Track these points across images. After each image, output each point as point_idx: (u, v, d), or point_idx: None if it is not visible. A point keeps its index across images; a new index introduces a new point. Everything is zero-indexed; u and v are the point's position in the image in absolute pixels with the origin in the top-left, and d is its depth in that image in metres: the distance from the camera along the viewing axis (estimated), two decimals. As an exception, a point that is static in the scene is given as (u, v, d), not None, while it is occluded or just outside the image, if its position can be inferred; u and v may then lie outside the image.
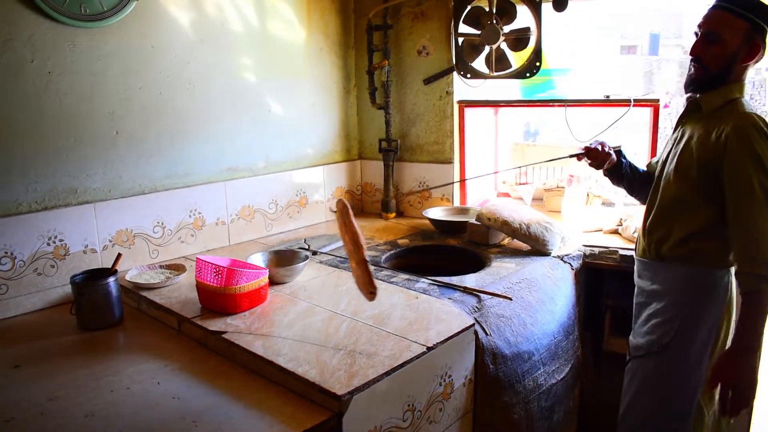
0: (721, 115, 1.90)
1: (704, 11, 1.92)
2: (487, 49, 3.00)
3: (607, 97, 2.90)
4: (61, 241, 2.28)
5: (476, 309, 2.05)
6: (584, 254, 2.68)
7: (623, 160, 2.32)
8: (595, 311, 2.78)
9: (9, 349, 1.93)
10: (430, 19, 3.22)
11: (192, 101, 2.67)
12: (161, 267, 2.48)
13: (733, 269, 1.94)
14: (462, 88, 3.23)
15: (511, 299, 2.15)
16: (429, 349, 1.74)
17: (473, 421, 2.00)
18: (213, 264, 2.02)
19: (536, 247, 2.63)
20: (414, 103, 3.37)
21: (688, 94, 2.05)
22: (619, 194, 3.11)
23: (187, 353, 1.88)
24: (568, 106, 2.98)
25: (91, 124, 2.35)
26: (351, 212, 1.84)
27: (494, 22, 2.92)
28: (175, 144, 2.63)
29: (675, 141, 2.07)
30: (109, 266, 2.17)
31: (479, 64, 3.08)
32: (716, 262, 1.95)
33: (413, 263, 2.72)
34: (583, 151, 2.34)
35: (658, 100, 2.83)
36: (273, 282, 2.25)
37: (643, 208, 2.20)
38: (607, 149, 2.29)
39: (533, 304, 2.26)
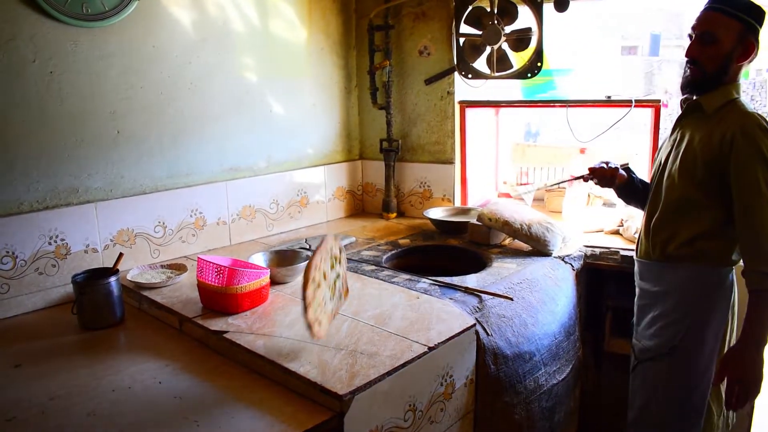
0: (721, 115, 1.91)
1: (697, 13, 1.95)
2: (488, 49, 3.00)
3: (609, 97, 2.90)
4: (62, 240, 2.28)
5: (477, 309, 2.05)
6: (585, 255, 2.68)
7: (633, 176, 2.31)
8: (595, 312, 2.78)
9: (10, 348, 1.93)
10: (431, 20, 3.22)
11: (193, 101, 2.67)
12: (162, 267, 2.48)
13: (736, 267, 1.95)
14: (463, 88, 3.24)
15: (512, 299, 2.15)
16: (430, 349, 1.74)
17: (474, 422, 2.00)
18: (214, 264, 2.02)
19: (537, 247, 2.63)
20: (415, 103, 3.37)
21: (684, 96, 2.06)
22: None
23: (188, 353, 1.88)
24: (570, 106, 2.98)
25: (93, 124, 2.35)
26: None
27: (495, 22, 2.92)
28: (177, 144, 2.64)
29: (674, 142, 2.07)
30: (111, 266, 2.17)
31: (480, 64, 3.08)
32: (721, 261, 1.95)
33: (414, 263, 2.72)
34: (588, 173, 2.34)
35: (659, 101, 2.83)
36: (274, 282, 2.25)
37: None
38: (612, 166, 2.29)
39: (534, 305, 2.26)
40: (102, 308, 2.07)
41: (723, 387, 1.93)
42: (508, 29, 2.94)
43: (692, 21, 1.96)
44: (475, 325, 1.95)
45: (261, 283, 2.06)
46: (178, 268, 2.46)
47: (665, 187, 2.06)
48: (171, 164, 2.63)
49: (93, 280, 2.08)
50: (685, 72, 1.99)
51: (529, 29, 2.91)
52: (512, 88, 3.43)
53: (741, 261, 1.93)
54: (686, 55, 1.96)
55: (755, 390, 1.85)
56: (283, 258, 2.47)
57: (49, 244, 2.25)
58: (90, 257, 2.36)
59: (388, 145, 3.40)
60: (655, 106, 2.83)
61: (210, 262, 2.02)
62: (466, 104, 3.25)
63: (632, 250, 2.40)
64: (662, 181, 2.08)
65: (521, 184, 3.60)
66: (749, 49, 1.89)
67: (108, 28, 2.33)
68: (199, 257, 2.06)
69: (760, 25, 1.90)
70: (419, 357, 1.71)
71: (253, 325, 1.91)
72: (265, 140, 3.03)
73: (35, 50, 2.16)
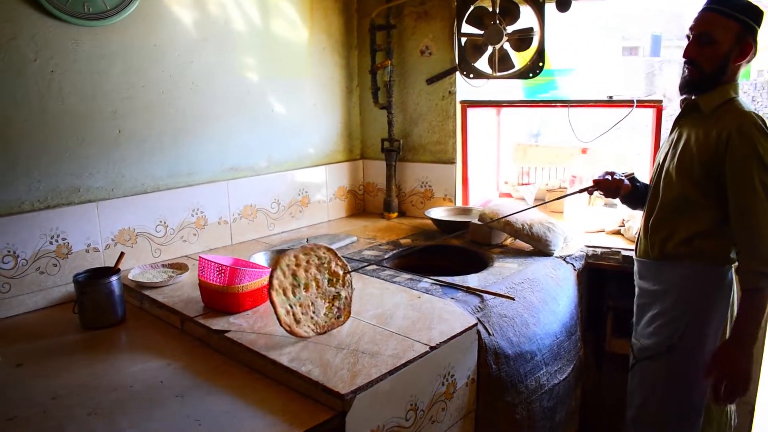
0: (719, 114, 1.93)
1: (695, 14, 1.97)
2: (490, 49, 3.00)
3: (611, 97, 2.90)
4: (63, 239, 2.28)
5: (479, 309, 2.05)
6: (587, 255, 2.68)
7: (638, 184, 2.32)
8: (597, 312, 2.77)
9: (12, 347, 1.93)
10: (433, 19, 3.21)
11: (195, 100, 2.67)
12: (164, 266, 2.48)
13: (735, 266, 1.95)
14: (465, 88, 3.23)
15: (513, 299, 2.15)
16: (432, 348, 1.74)
17: (476, 421, 1.99)
18: (216, 263, 2.02)
19: (539, 247, 2.63)
20: (416, 103, 3.37)
21: (683, 96, 2.07)
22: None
23: (189, 352, 1.88)
24: (571, 106, 2.98)
25: (94, 123, 2.35)
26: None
27: (497, 22, 2.92)
28: (178, 143, 2.64)
29: (673, 142, 2.08)
30: (112, 265, 2.17)
31: (482, 64, 3.08)
32: (720, 259, 1.95)
33: (415, 263, 2.72)
34: (593, 185, 2.35)
35: (661, 101, 2.82)
36: (275, 281, 2.25)
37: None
38: (617, 177, 2.30)
39: (536, 305, 2.25)
40: (103, 308, 2.07)
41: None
42: (509, 29, 2.93)
43: (691, 21, 1.97)
44: (476, 324, 1.95)
45: (262, 283, 2.05)
46: (180, 267, 2.46)
47: (663, 186, 2.07)
48: (172, 163, 2.63)
49: (94, 279, 2.08)
50: (683, 72, 2.00)
51: (530, 29, 2.90)
52: (514, 88, 3.43)
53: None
54: (684, 56, 1.98)
55: (743, 387, 1.87)
56: (285, 257, 2.46)
57: (51, 243, 2.24)
58: (91, 257, 2.36)
59: (390, 145, 3.40)
60: (657, 106, 2.83)
61: (211, 262, 2.02)
62: (468, 104, 3.25)
63: (633, 250, 2.40)
64: (660, 180, 2.09)
65: (523, 185, 3.59)
66: (747, 49, 1.90)
67: (109, 27, 2.33)
68: (200, 256, 2.06)
69: (759, 26, 1.91)
70: (421, 356, 1.71)
71: (254, 325, 1.91)
72: (267, 140, 3.03)
73: (36, 49, 2.16)
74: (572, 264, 2.59)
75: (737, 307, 1.89)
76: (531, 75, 2.98)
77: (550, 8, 2.85)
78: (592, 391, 2.83)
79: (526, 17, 2.92)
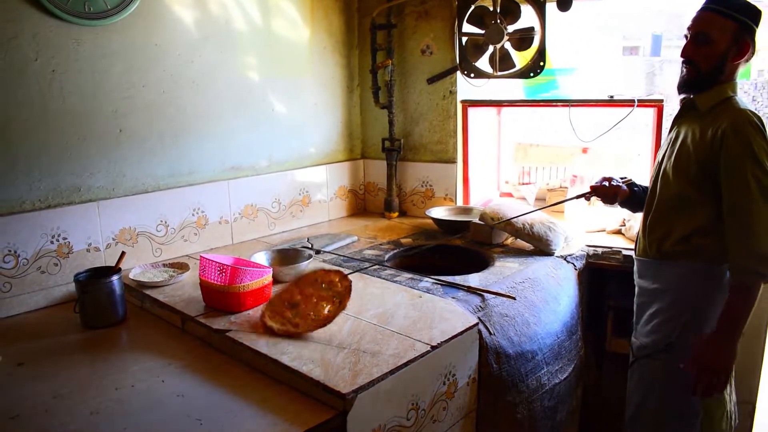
0: (716, 113, 1.93)
1: (693, 14, 1.98)
2: (490, 48, 3.00)
3: (612, 97, 2.90)
4: (64, 239, 2.28)
5: (480, 308, 2.05)
6: (587, 254, 2.68)
7: (636, 189, 2.35)
8: (597, 311, 2.77)
9: (13, 346, 1.93)
10: (433, 19, 3.21)
11: (195, 100, 2.67)
12: (164, 265, 2.48)
13: None
14: (465, 87, 3.23)
15: (514, 299, 2.15)
16: (433, 348, 1.74)
17: (477, 421, 1.99)
18: (217, 262, 2.01)
19: (539, 246, 2.63)
20: (417, 102, 3.37)
21: (682, 95, 2.08)
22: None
23: (190, 351, 1.88)
24: (572, 106, 2.98)
25: (95, 123, 2.35)
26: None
27: (498, 21, 2.91)
28: (179, 142, 2.63)
29: (671, 141, 2.09)
30: (113, 264, 2.17)
31: (483, 63, 3.08)
32: (717, 257, 1.95)
33: (416, 263, 2.72)
34: (590, 191, 2.38)
35: (662, 101, 2.82)
36: (276, 281, 2.25)
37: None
38: (614, 183, 2.32)
39: (537, 304, 2.25)
40: (104, 307, 2.07)
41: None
42: (510, 28, 2.93)
43: (689, 21, 1.99)
44: (477, 324, 1.95)
45: (263, 282, 2.05)
46: (181, 266, 2.46)
47: (660, 185, 2.08)
48: (173, 163, 2.63)
49: (95, 278, 2.08)
50: (681, 72, 2.02)
51: (531, 29, 2.90)
52: (514, 88, 3.43)
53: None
54: (681, 55, 1.99)
55: (722, 382, 1.88)
56: (285, 257, 2.47)
57: (52, 242, 2.24)
58: (92, 256, 2.36)
59: (390, 145, 3.40)
60: (658, 105, 2.83)
61: (212, 261, 2.02)
62: (469, 103, 3.25)
63: (633, 249, 2.40)
64: (658, 180, 2.10)
65: (523, 184, 3.59)
66: (744, 48, 1.91)
67: (110, 27, 2.33)
68: (201, 256, 2.05)
69: (757, 25, 1.92)
70: (422, 356, 1.71)
71: (255, 324, 1.91)
72: (267, 139, 3.03)
73: (37, 49, 2.16)
74: (573, 263, 2.59)
75: (725, 301, 1.89)
76: (532, 74, 2.98)
77: (551, 8, 2.85)
78: (593, 390, 2.83)
79: (527, 17, 2.92)
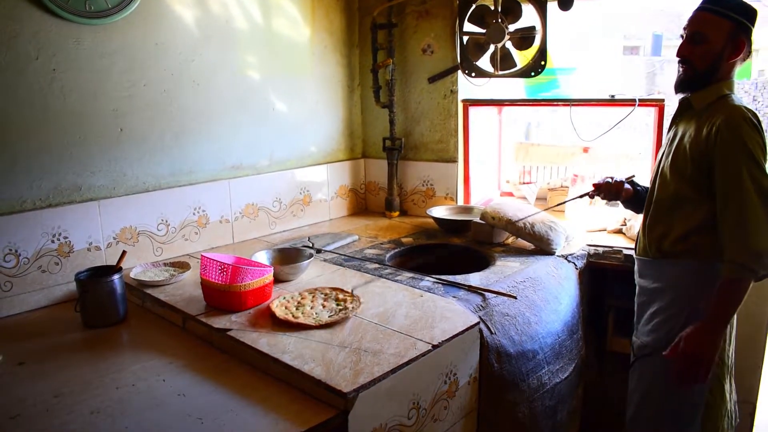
0: (711, 111, 1.94)
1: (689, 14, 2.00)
2: (492, 47, 3.00)
3: (613, 96, 2.90)
4: (65, 238, 2.27)
5: (481, 307, 2.05)
6: (588, 254, 2.68)
7: (638, 188, 2.35)
8: (598, 311, 2.77)
9: (14, 346, 1.92)
10: (434, 18, 3.21)
11: (196, 99, 2.67)
12: (165, 265, 2.48)
13: None
14: (466, 86, 3.23)
15: (515, 298, 2.15)
16: (434, 347, 1.74)
17: (478, 420, 1.99)
18: (218, 261, 2.01)
19: (540, 246, 2.63)
20: (418, 101, 3.36)
21: (679, 95, 2.09)
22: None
23: (191, 350, 1.88)
24: (573, 105, 2.98)
25: (96, 122, 2.34)
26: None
27: (499, 20, 2.91)
28: (179, 142, 2.63)
29: (669, 141, 2.11)
30: (114, 264, 2.17)
31: (484, 62, 3.08)
32: (717, 255, 1.95)
33: (417, 262, 2.72)
34: (593, 189, 2.38)
35: (663, 100, 2.82)
36: (277, 280, 2.25)
37: None
38: (618, 180, 2.33)
39: (538, 303, 2.25)
40: (105, 306, 2.07)
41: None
42: (511, 28, 2.93)
43: (684, 21, 2.01)
44: (478, 323, 1.95)
45: (264, 281, 2.05)
46: (181, 266, 2.46)
47: (658, 185, 2.09)
48: (174, 162, 2.63)
49: (96, 278, 2.08)
50: (678, 71, 2.04)
51: (533, 28, 2.90)
52: (515, 87, 3.43)
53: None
54: (677, 55, 2.01)
55: (704, 371, 1.88)
56: (286, 256, 2.47)
57: (52, 242, 2.24)
58: (93, 255, 2.36)
59: (391, 144, 3.40)
60: (659, 105, 2.83)
61: (213, 260, 2.02)
62: (469, 103, 3.25)
63: (634, 249, 2.40)
64: (657, 179, 2.11)
65: (524, 183, 3.59)
66: (740, 47, 1.93)
67: (111, 26, 2.33)
68: (202, 255, 2.06)
69: (752, 24, 1.93)
70: (423, 355, 1.70)
71: (256, 323, 1.91)
72: (268, 138, 3.03)
73: (38, 47, 2.16)
74: (574, 263, 2.58)
75: (714, 293, 1.88)
76: (533, 74, 2.98)
77: (552, 7, 2.85)
78: (594, 390, 2.82)
79: (528, 16, 2.92)
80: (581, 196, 2.49)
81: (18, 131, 2.14)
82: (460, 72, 3.18)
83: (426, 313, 1.96)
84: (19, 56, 2.12)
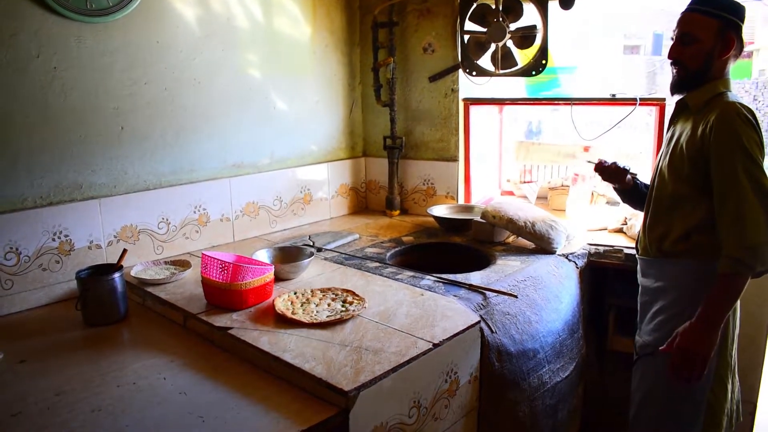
0: (707, 110, 1.95)
1: (678, 15, 2.03)
2: (493, 46, 3.00)
3: (614, 95, 2.89)
4: (66, 236, 2.27)
5: (482, 306, 2.05)
6: (589, 253, 2.67)
7: (638, 182, 2.37)
8: (599, 310, 2.77)
9: (15, 344, 1.92)
10: (435, 17, 3.21)
11: (197, 97, 2.67)
12: (166, 263, 2.48)
13: None
14: (467, 85, 3.23)
15: (516, 297, 2.15)
16: (435, 345, 1.74)
17: (478, 418, 1.99)
18: (219, 260, 2.01)
19: (541, 245, 2.63)
20: (419, 100, 3.36)
21: (675, 96, 2.10)
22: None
23: (192, 349, 1.88)
24: (574, 104, 2.97)
25: (96, 120, 2.34)
26: None
27: (500, 19, 2.91)
28: (180, 140, 2.63)
29: (667, 141, 2.12)
30: (114, 262, 2.17)
31: (485, 61, 3.08)
32: (718, 254, 1.94)
33: (418, 260, 2.72)
34: (597, 165, 2.39)
35: (664, 99, 2.82)
36: (278, 278, 2.25)
37: None
38: (622, 166, 2.34)
39: (538, 302, 2.25)
40: (106, 304, 2.07)
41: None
42: (512, 26, 2.93)
43: (674, 23, 2.03)
44: (479, 322, 1.95)
45: (265, 279, 2.05)
46: (182, 264, 2.46)
47: (657, 185, 2.10)
48: (174, 160, 2.63)
49: (97, 276, 2.08)
50: (672, 73, 2.05)
51: (534, 27, 2.90)
52: (516, 86, 3.43)
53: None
54: (669, 57, 2.03)
55: (700, 368, 1.87)
56: (287, 255, 2.47)
57: (53, 240, 2.24)
58: (94, 253, 2.36)
59: (392, 143, 3.39)
60: (660, 104, 2.83)
61: (214, 258, 2.02)
62: (470, 102, 3.25)
63: (634, 248, 2.40)
64: (656, 179, 2.12)
65: (525, 183, 3.59)
66: (730, 44, 1.94)
67: (112, 24, 2.33)
68: (203, 253, 2.06)
69: (741, 20, 1.95)
70: (424, 353, 1.70)
71: (257, 322, 1.91)
72: (269, 137, 3.03)
73: (39, 45, 2.16)
74: (575, 262, 2.58)
75: (747, 304, 1.89)
76: (534, 73, 2.98)
77: (553, 6, 2.85)
78: (594, 389, 2.83)
79: (529, 15, 2.92)
80: (589, 161, 2.47)
81: (19, 129, 2.14)
82: (461, 71, 3.18)
83: (427, 312, 1.96)
84: (20, 54, 2.12)
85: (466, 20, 3.03)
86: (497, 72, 3.04)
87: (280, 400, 1.56)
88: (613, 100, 2.90)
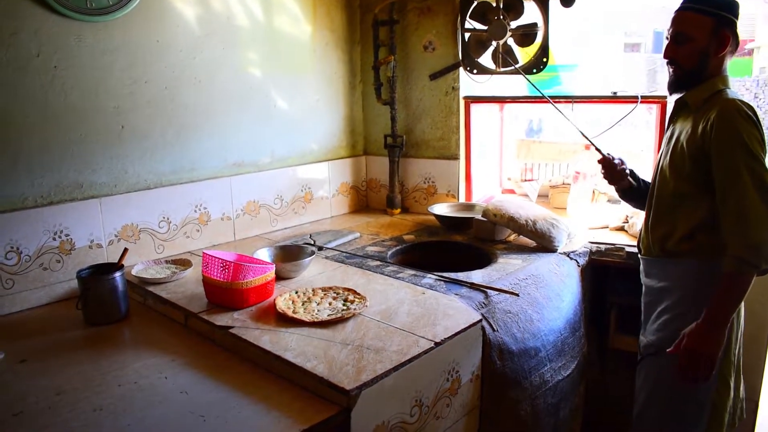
0: (707, 107, 1.94)
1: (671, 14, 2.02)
2: (493, 44, 2.99)
3: (615, 93, 2.89)
4: (66, 235, 2.27)
5: (483, 305, 2.04)
6: (590, 251, 2.67)
7: (640, 182, 2.37)
8: (600, 308, 2.77)
9: (16, 343, 1.92)
10: (436, 15, 3.20)
11: (197, 96, 2.66)
12: (167, 262, 2.48)
13: None
14: (468, 83, 3.22)
15: (518, 295, 2.15)
16: (437, 344, 1.74)
17: (480, 417, 1.99)
18: (220, 259, 2.01)
19: (542, 243, 2.62)
20: (420, 98, 3.36)
21: (673, 95, 2.10)
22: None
23: (193, 348, 1.88)
24: (575, 102, 2.97)
25: (97, 119, 2.34)
26: None
27: (501, 17, 2.91)
28: (181, 139, 2.63)
29: (667, 140, 2.11)
30: (115, 261, 2.16)
31: (485, 59, 3.07)
32: (722, 253, 1.94)
33: (419, 259, 2.71)
34: (601, 159, 2.38)
35: (665, 97, 2.81)
36: (279, 277, 2.25)
37: None
38: (626, 168, 2.34)
39: (540, 301, 2.25)
40: (107, 304, 2.07)
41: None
42: (513, 24, 2.93)
43: (668, 23, 2.02)
44: (481, 320, 1.94)
45: (266, 278, 2.05)
46: (183, 263, 2.46)
47: (658, 184, 2.09)
48: (175, 159, 2.62)
49: (98, 275, 2.08)
50: (668, 72, 2.05)
51: (534, 24, 2.89)
52: (517, 84, 3.42)
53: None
54: (664, 57, 2.03)
55: (708, 367, 1.86)
56: (288, 253, 2.47)
57: (54, 239, 2.24)
58: (94, 252, 2.36)
59: (393, 141, 3.39)
60: (662, 102, 2.82)
61: (215, 257, 2.02)
62: (471, 100, 3.24)
63: (636, 246, 2.39)
64: (656, 179, 2.11)
65: (525, 180, 3.58)
66: (725, 41, 1.93)
67: (112, 23, 2.32)
68: (204, 252, 2.05)
69: (735, 16, 1.93)
70: (426, 352, 1.70)
71: (258, 320, 1.91)
72: (269, 135, 3.03)
73: (39, 44, 2.15)
74: (576, 260, 2.58)
75: (716, 289, 1.87)
76: (535, 71, 2.97)
77: (554, 4, 2.84)
78: (596, 387, 2.82)
79: (530, 12, 2.91)
80: (598, 150, 2.46)
81: (19, 129, 2.14)
82: (461, 69, 3.17)
83: (428, 311, 1.96)
84: (20, 54, 2.11)
85: (467, 18, 3.02)
86: (498, 70, 3.03)
87: (282, 399, 1.55)
88: (615, 98, 2.89)
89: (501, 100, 3.34)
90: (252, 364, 1.75)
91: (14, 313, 2.16)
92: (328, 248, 2.69)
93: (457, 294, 2.10)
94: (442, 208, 3.18)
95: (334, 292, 2.10)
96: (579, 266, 2.57)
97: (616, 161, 2.35)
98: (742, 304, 2.02)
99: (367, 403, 1.51)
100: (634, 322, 2.30)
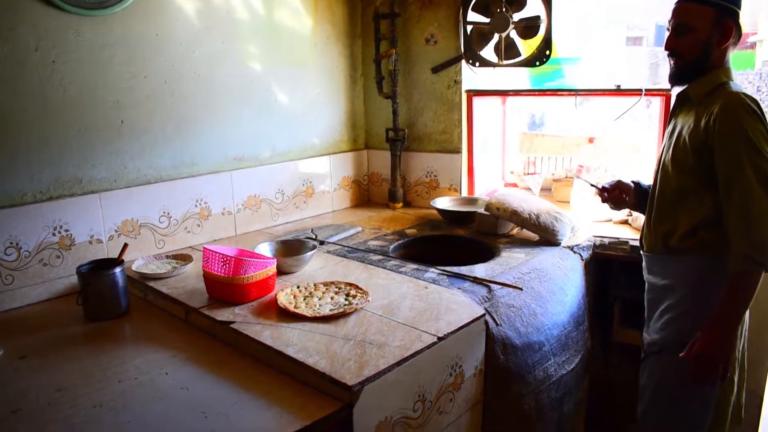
0: (709, 101, 1.90)
1: (672, 5, 1.98)
2: (496, 37, 2.97)
3: (619, 86, 2.86)
4: (66, 231, 2.26)
5: (486, 299, 2.03)
6: (594, 245, 2.65)
7: (642, 189, 2.32)
8: (604, 302, 2.75)
9: (15, 339, 1.91)
10: (438, 7, 3.18)
11: (197, 90, 2.64)
12: (167, 257, 2.46)
13: None
14: (470, 77, 3.20)
15: (521, 289, 2.13)
16: (440, 339, 1.72)
17: (483, 412, 1.98)
18: (220, 254, 2.00)
19: (546, 237, 2.60)
20: (421, 92, 3.34)
21: (674, 88, 2.08)
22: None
23: (194, 343, 1.87)
24: (579, 95, 2.95)
25: (96, 114, 2.32)
26: None
27: (504, 9, 2.88)
28: (181, 133, 2.61)
29: (669, 134, 2.07)
30: (115, 256, 2.15)
31: (488, 52, 3.05)
32: (726, 250, 1.91)
33: (421, 253, 2.70)
34: (600, 191, 2.39)
35: (669, 90, 2.79)
36: (280, 272, 2.23)
37: None
38: (625, 183, 2.33)
39: (543, 295, 2.23)
40: (107, 299, 2.05)
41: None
42: (516, 17, 2.90)
43: (669, 14, 1.98)
44: (484, 315, 1.93)
45: (268, 273, 2.04)
46: (184, 258, 2.45)
47: (661, 179, 2.05)
48: (175, 154, 2.61)
49: (98, 270, 2.06)
50: (669, 64, 2.01)
51: (537, 17, 2.87)
52: (520, 77, 3.40)
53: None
54: (665, 48, 1.99)
55: (724, 369, 1.85)
56: (289, 248, 2.45)
57: (53, 234, 2.23)
58: (94, 248, 2.34)
59: (394, 135, 3.37)
60: (666, 95, 2.80)
61: (216, 252, 2.01)
62: (473, 93, 3.22)
63: (638, 240, 2.37)
64: (659, 174, 2.07)
65: (528, 174, 3.57)
66: (727, 32, 1.90)
67: (110, 17, 2.30)
68: (205, 247, 2.04)
69: (738, 7, 1.90)
70: (428, 347, 1.69)
71: (260, 316, 1.89)
72: (270, 130, 3.01)
73: (37, 39, 2.13)
74: (579, 254, 2.56)
75: (723, 289, 1.84)
76: (538, 63, 2.95)
77: (556, -4, 2.82)
78: (599, 381, 2.81)
79: (533, 5, 2.88)
80: (593, 185, 2.46)
81: (18, 124, 2.12)
82: (463, 62, 3.15)
83: (431, 305, 1.94)
84: (19, 48, 2.09)
85: (469, 11, 3.00)
86: (500, 63, 3.01)
87: (283, 394, 1.54)
88: (619, 91, 2.87)
89: (503, 93, 3.32)
90: (253, 359, 1.74)
91: (14, 309, 2.15)
92: (329, 243, 2.68)
93: (459, 288, 2.09)
94: (444, 202, 3.17)
95: (336, 287, 2.08)
96: (582, 260, 2.55)
97: (610, 185, 2.33)
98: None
99: (370, 398, 1.50)
100: (638, 316, 2.28)
